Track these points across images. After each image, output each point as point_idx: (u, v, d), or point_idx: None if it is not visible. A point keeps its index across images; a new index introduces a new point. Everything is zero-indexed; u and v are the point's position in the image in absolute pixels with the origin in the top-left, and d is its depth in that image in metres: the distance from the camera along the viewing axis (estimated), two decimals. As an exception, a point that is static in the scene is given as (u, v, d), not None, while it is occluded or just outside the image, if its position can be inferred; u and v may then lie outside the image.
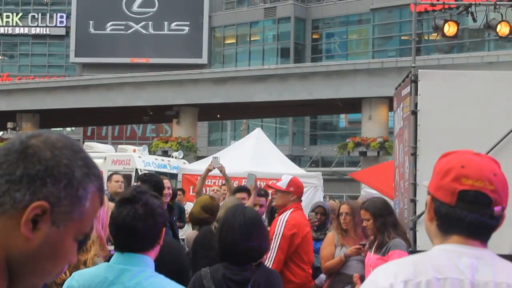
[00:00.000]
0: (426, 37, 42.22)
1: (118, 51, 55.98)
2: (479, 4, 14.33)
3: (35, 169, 1.42)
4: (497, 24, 14.46)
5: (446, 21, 14.34)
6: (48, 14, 62.28)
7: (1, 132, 41.01)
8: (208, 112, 39.69)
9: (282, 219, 6.90)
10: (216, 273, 4.09)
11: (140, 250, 3.23)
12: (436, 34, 14.83)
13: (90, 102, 38.84)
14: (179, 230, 10.86)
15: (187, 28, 55.91)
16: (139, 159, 21.15)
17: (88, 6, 57.32)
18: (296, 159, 44.69)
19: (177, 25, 56.00)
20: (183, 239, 9.51)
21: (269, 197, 10.03)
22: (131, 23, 56.88)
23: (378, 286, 2.10)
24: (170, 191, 8.52)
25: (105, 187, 10.09)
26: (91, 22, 57.27)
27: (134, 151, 21.92)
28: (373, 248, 6.55)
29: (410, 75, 8.46)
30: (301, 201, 7.35)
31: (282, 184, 7.12)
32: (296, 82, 34.97)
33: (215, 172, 11.09)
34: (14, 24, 62.40)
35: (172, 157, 23.42)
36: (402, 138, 9.05)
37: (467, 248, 2.15)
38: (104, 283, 3.17)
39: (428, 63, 30.59)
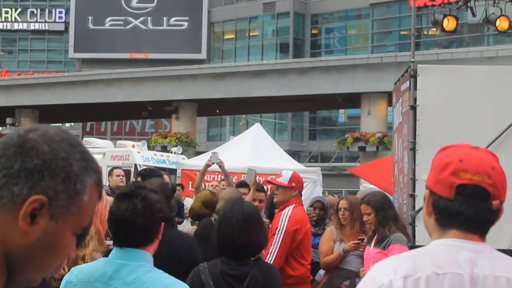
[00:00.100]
0: (425, 32, 42.19)
1: (117, 47, 55.95)
2: (478, -2, 14.34)
3: (33, 163, 1.42)
4: (496, 19, 14.46)
5: (445, 15, 14.34)
6: (47, 10, 62.21)
7: (0, 128, 41.03)
8: (207, 108, 39.68)
9: (285, 214, 6.90)
10: (214, 268, 4.09)
11: (139, 245, 3.23)
12: (435, 29, 14.83)
13: (89, 98, 38.82)
14: (178, 225, 10.88)
15: (186, 23, 55.86)
16: (138, 154, 21.14)
17: (87, 2, 57.29)
18: (295, 154, 44.69)
19: (176, 20, 55.95)
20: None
21: (268, 192, 10.02)
22: (130, 19, 56.82)
23: (377, 283, 2.10)
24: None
25: (106, 182, 10.15)
26: (90, 17, 57.20)
27: (133, 146, 21.91)
28: (372, 243, 6.55)
29: (409, 70, 8.46)
30: (301, 196, 7.36)
31: (284, 179, 7.11)
32: (295, 77, 34.96)
33: (214, 167, 11.08)
34: (13, 20, 62.32)
35: (171, 152, 23.40)
36: (401, 133, 9.05)
37: (465, 243, 2.15)
38: (103, 278, 3.18)
39: (427, 58, 30.58)
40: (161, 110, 38.23)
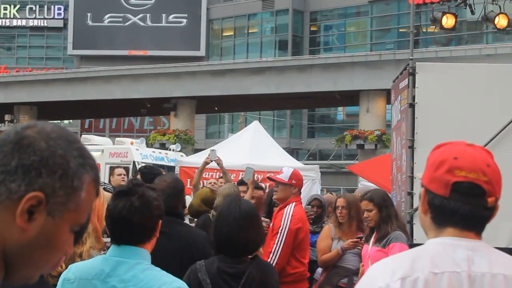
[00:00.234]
0: (424, 30, 42.19)
1: (116, 43, 55.91)
2: (477, -4, 14.33)
3: (30, 159, 1.42)
4: (495, 17, 14.44)
5: (444, 13, 14.32)
6: (45, 6, 62.15)
7: (-1, 125, 41.04)
8: (206, 105, 39.68)
9: (287, 213, 6.90)
10: (211, 266, 4.09)
11: (136, 243, 3.23)
12: (434, 27, 14.82)
13: (88, 95, 38.83)
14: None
15: (185, 20, 55.82)
16: (137, 151, 21.12)
17: (85, -2, 57.29)
18: (294, 152, 44.70)
19: (175, 17, 55.91)
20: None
21: (266, 190, 10.02)
22: (129, 15, 56.77)
23: (374, 286, 2.10)
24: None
25: (106, 180, 10.15)
26: (89, 14, 57.14)
27: (132, 143, 21.90)
28: (371, 241, 6.55)
29: (408, 68, 8.45)
30: (300, 193, 7.37)
31: (284, 176, 7.11)
32: (294, 74, 34.97)
33: (213, 165, 11.08)
34: (12, 16, 62.26)
35: (170, 149, 23.39)
36: (400, 131, 9.05)
37: (462, 240, 2.15)
38: (101, 276, 3.18)
39: (426, 55, 30.61)
40: (160, 107, 38.24)
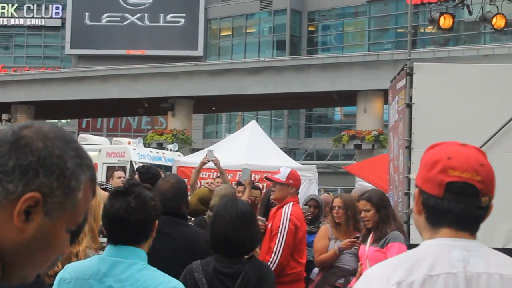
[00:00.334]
0: (422, 30, 42.25)
1: (113, 43, 55.84)
2: (475, -3, 14.35)
3: (28, 160, 1.42)
4: (492, 17, 14.46)
5: (441, 13, 14.34)
6: (43, 6, 62.11)
7: (-4, 124, 40.97)
8: (203, 105, 39.67)
9: (286, 213, 6.90)
10: (207, 266, 4.09)
11: (133, 243, 3.23)
12: (432, 27, 14.87)
13: (85, 94, 38.80)
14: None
15: (183, 20, 55.78)
16: (134, 151, 21.13)
17: (83, -2, 57.24)
18: (291, 152, 44.70)
19: (173, 17, 55.87)
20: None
21: (263, 190, 10.02)
22: (127, 15, 56.71)
23: None
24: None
25: (101, 179, 10.16)
26: (86, 13, 57.07)
27: (129, 143, 21.91)
28: (368, 241, 6.54)
29: (405, 68, 8.46)
30: (298, 194, 7.37)
31: (282, 176, 7.12)
32: (292, 74, 34.98)
33: (210, 165, 11.08)
34: (10, 15, 62.20)
35: (167, 149, 23.39)
36: (397, 131, 9.05)
37: (457, 241, 2.15)
38: (97, 275, 3.18)
39: (423, 56, 30.60)
40: (157, 107, 38.21)
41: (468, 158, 2.17)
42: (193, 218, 8.15)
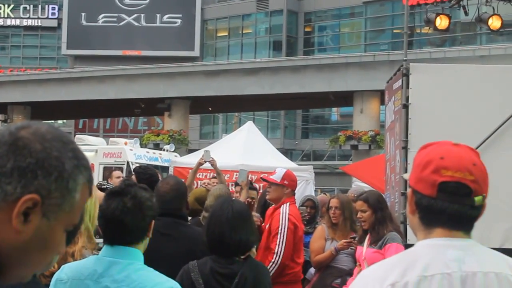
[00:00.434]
0: (418, 31, 42.23)
1: (110, 44, 55.84)
2: (471, -3, 14.37)
3: (26, 161, 1.42)
4: (488, 18, 14.49)
5: (438, 14, 14.36)
6: (40, 6, 62.07)
7: (-8, 124, 40.93)
8: (200, 105, 39.66)
9: (284, 213, 6.90)
10: (204, 266, 4.09)
11: (129, 243, 3.23)
12: (428, 28, 14.86)
13: (82, 95, 38.76)
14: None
15: (179, 20, 55.79)
16: (131, 152, 21.11)
17: (80, -2, 57.21)
18: (288, 153, 44.72)
19: (169, 17, 55.88)
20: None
21: (260, 191, 10.02)
22: (123, 15, 56.71)
23: None
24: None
25: (97, 180, 10.15)
26: (83, 14, 57.06)
27: (126, 144, 21.89)
28: (365, 242, 6.54)
29: (401, 69, 8.45)
30: (294, 194, 7.36)
31: (277, 177, 7.12)
32: (288, 75, 34.97)
33: (207, 165, 11.07)
34: (6, 16, 62.16)
35: (164, 150, 23.38)
36: (393, 132, 9.05)
37: (451, 240, 2.15)
38: (93, 276, 3.18)
39: (420, 56, 30.63)
40: (154, 107, 38.20)
41: (460, 158, 2.17)
42: (189, 218, 8.14)
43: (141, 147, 24.21)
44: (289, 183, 7.12)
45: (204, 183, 11.34)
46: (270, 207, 7.40)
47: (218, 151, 13.94)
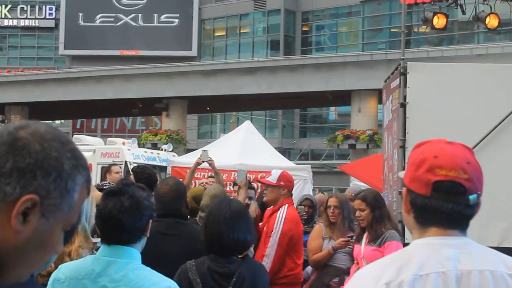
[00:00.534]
0: (415, 30, 42.28)
1: (107, 43, 55.78)
2: (468, -4, 14.38)
3: (25, 162, 1.42)
4: (486, 17, 14.49)
5: (435, 13, 14.36)
6: (37, 6, 62.01)
7: (-10, 125, 40.86)
8: (198, 105, 39.66)
9: (280, 216, 6.90)
10: (202, 266, 4.09)
11: (126, 242, 3.23)
12: (425, 27, 14.89)
13: (80, 95, 38.75)
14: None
15: (177, 20, 55.74)
16: (128, 152, 21.12)
17: (77, -2, 57.15)
18: (286, 152, 44.70)
19: (166, 17, 55.82)
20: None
21: (258, 190, 10.02)
22: (121, 15, 56.65)
23: None
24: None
25: (97, 179, 10.14)
26: (80, 14, 56.99)
27: (124, 144, 21.89)
28: (363, 241, 6.54)
29: (399, 68, 8.46)
30: (291, 195, 7.36)
31: (272, 178, 7.12)
32: (286, 74, 34.99)
33: (204, 165, 11.07)
34: (3, 16, 62.09)
35: (162, 150, 23.38)
36: (391, 131, 9.06)
37: (446, 239, 2.15)
38: (91, 275, 3.18)
39: (417, 55, 30.64)
40: (152, 107, 38.20)
41: (454, 156, 2.17)
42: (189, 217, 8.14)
43: (139, 147, 24.21)
44: (285, 184, 7.12)
45: (202, 183, 11.34)
46: (269, 207, 7.40)
47: (216, 151, 13.94)
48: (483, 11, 14.67)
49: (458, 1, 14.42)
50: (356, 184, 14.44)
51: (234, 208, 4.18)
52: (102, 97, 38.39)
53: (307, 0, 52.67)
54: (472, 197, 2.14)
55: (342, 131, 36.21)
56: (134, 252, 3.23)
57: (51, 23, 61.27)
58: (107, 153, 21.20)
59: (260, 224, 7.38)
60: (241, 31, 55.62)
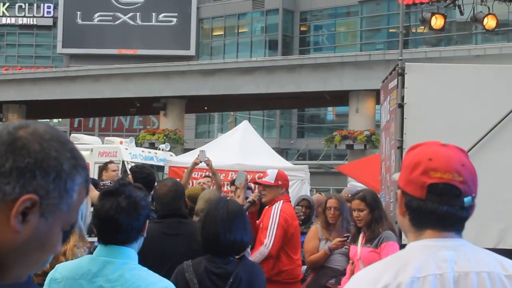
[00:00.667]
0: (413, 30, 42.27)
1: (105, 42, 55.74)
2: (466, -3, 14.38)
3: (25, 162, 1.42)
4: (484, 17, 14.50)
5: (433, 14, 14.37)
6: (35, 5, 61.93)
7: (-12, 123, 40.78)
8: (196, 104, 39.63)
9: (276, 209, 6.94)
10: (199, 266, 4.09)
11: (123, 243, 3.23)
12: (423, 27, 14.87)
13: (77, 94, 38.71)
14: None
15: (175, 19, 55.71)
16: (126, 151, 21.13)
17: (75, -3, 57.10)
18: (283, 152, 44.70)
19: (165, 16, 55.78)
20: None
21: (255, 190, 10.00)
22: (119, 14, 56.60)
23: None
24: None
25: (94, 177, 10.13)
26: (78, 12, 56.93)
27: (121, 143, 21.90)
28: (359, 242, 6.53)
29: (397, 68, 8.46)
30: (288, 193, 7.38)
31: (270, 178, 7.14)
32: (284, 74, 34.97)
33: (202, 165, 11.07)
34: (1, 14, 61.99)
35: (159, 149, 23.39)
36: (389, 131, 9.06)
37: (442, 241, 2.15)
38: (88, 275, 3.17)
39: (415, 56, 30.62)
40: (149, 106, 38.17)
41: (449, 159, 2.17)
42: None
43: (136, 146, 24.21)
44: (282, 183, 7.17)
45: (199, 183, 11.34)
46: (267, 207, 7.41)
47: (214, 151, 13.95)
48: (481, 11, 14.68)
49: (456, 2, 14.42)
50: (353, 185, 14.46)
51: (231, 208, 4.18)
52: (100, 96, 38.35)
53: (305, 0, 52.67)
54: (467, 199, 2.15)
55: (340, 131, 36.20)
56: (131, 252, 3.23)
57: (49, 22, 61.20)
58: (105, 152, 21.21)
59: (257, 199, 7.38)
60: (239, 31, 55.60)
